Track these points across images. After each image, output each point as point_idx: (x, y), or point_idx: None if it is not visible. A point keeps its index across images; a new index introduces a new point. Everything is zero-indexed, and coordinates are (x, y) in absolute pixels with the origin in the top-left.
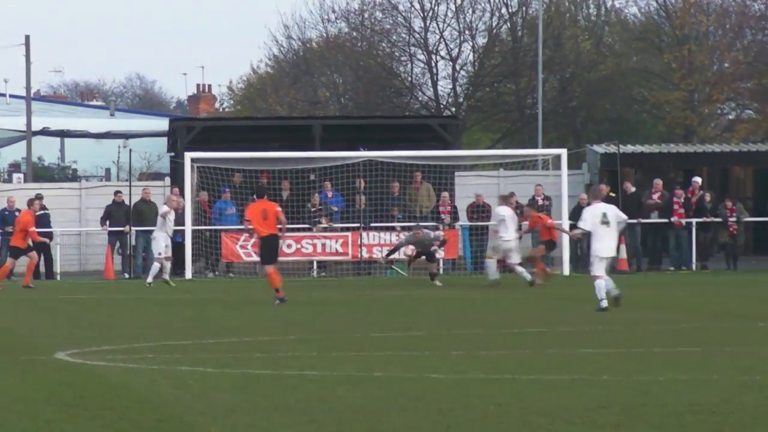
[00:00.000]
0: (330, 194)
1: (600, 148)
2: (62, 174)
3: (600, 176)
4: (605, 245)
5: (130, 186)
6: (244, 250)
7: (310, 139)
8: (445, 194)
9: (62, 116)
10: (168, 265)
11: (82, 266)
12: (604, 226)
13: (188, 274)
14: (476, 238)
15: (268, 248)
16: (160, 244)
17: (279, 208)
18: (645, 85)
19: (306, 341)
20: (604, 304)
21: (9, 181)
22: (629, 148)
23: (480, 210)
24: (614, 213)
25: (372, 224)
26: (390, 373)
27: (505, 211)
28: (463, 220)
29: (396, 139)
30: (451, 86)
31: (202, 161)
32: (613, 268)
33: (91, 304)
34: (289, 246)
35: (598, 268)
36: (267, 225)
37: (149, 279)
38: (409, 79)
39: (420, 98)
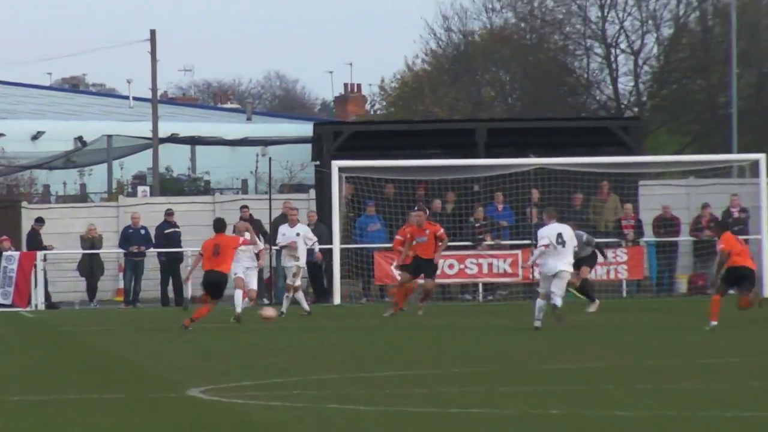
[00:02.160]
0: (500, 207)
1: None
2: (193, 186)
3: None
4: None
5: (270, 199)
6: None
7: (472, 145)
8: (628, 206)
9: (193, 121)
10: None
11: None
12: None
13: (336, 299)
14: (664, 255)
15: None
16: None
17: (242, 242)
18: None
19: (471, 374)
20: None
21: (133, 194)
22: None
23: (667, 223)
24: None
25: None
26: (568, 410)
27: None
28: (649, 235)
29: (570, 144)
30: (632, 83)
31: (351, 170)
32: None
33: (226, 333)
34: (451, 266)
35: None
36: (216, 262)
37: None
38: (585, 75)
39: (597, 97)
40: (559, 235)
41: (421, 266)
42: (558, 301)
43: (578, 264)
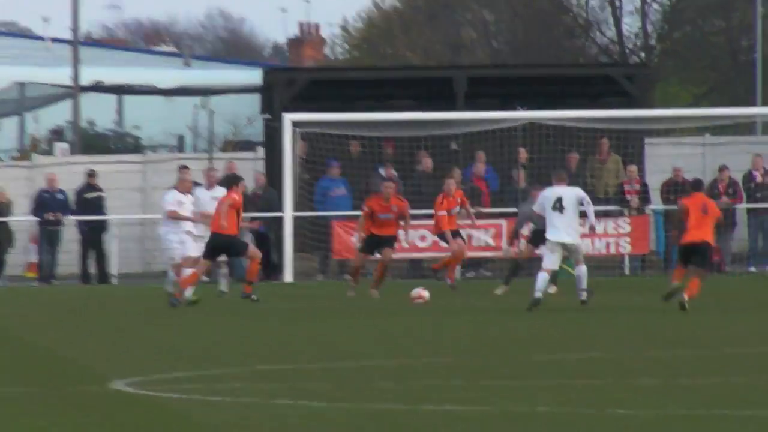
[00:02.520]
0: (482, 168)
1: None
2: (121, 143)
3: None
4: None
5: (211, 158)
6: None
7: (450, 96)
8: (633, 168)
9: (120, 66)
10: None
11: (147, 266)
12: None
13: (288, 277)
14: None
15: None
16: (172, 244)
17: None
18: None
19: (448, 366)
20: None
21: (50, 152)
22: None
23: (679, 189)
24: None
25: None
26: (560, 408)
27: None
28: (656, 203)
29: (565, 95)
30: (639, 24)
31: (306, 125)
32: None
33: (159, 318)
34: (423, 238)
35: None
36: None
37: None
38: (584, 14)
39: (598, 40)
40: (558, 200)
41: (380, 243)
42: (581, 283)
43: (537, 237)
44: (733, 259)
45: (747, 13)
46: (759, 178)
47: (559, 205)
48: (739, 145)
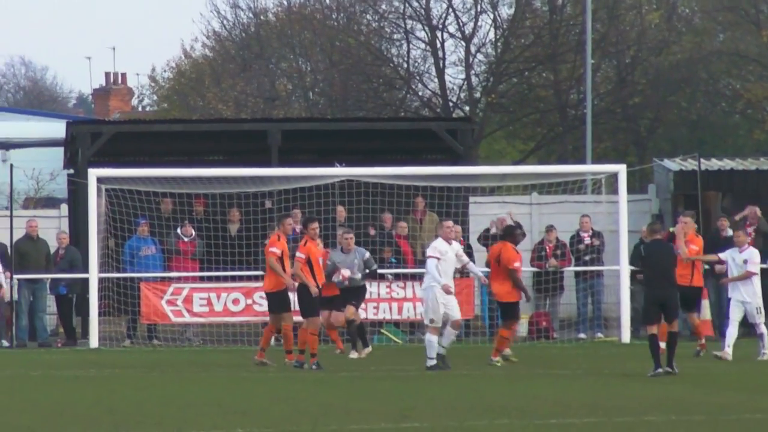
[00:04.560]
0: (297, 228)
1: (673, 164)
2: None
3: (674, 202)
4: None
5: (11, 216)
6: (173, 307)
7: (264, 150)
8: (458, 229)
9: None
10: None
11: None
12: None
13: (94, 342)
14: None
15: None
16: None
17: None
18: (736, 75)
19: None
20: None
21: None
22: (714, 163)
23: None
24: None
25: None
26: None
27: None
28: (480, 265)
29: (386, 151)
30: (463, 76)
31: (112, 181)
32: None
33: None
34: (236, 302)
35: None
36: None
37: None
38: (405, 65)
39: (420, 93)
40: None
41: (344, 296)
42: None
43: (346, 296)
44: (561, 326)
45: (577, 65)
46: (587, 240)
47: None
48: (567, 204)
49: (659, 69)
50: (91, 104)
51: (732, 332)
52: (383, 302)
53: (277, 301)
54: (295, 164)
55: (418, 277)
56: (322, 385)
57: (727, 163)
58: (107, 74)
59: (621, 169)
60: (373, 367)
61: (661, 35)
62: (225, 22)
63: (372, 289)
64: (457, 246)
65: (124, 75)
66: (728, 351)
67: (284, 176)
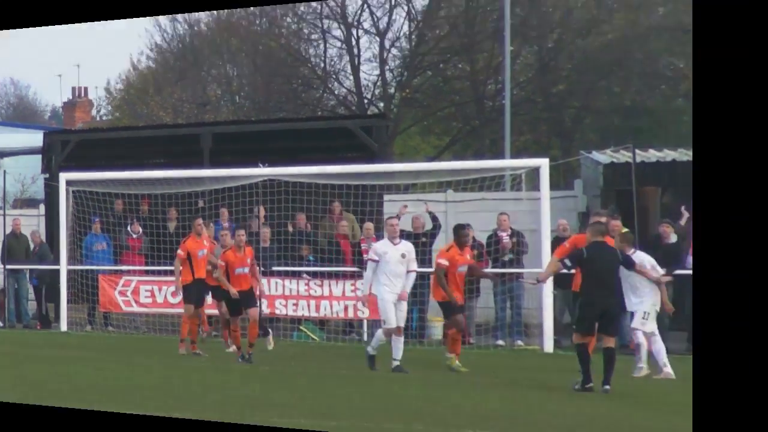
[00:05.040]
0: (226, 226)
1: (603, 156)
2: None
3: (603, 199)
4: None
5: (4, 215)
6: (124, 297)
7: (198, 153)
8: (369, 226)
9: None
10: None
11: None
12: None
13: (63, 326)
14: (412, 291)
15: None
16: None
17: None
18: (679, 53)
19: None
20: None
21: None
22: (652, 155)
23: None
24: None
25: (274, 268)
26: None
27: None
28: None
29: (305, 150)
30: (377, 72)
31: (77, 184)
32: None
33: None
34: (174, 294)
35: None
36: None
37: None
38: (322, 65)
39: (336, 91)
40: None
41: (242, 299)
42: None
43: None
44: (478, 330)
45: (495, 54)
46: (505, 239)
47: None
48: (484, 201)
49: (587, 52)
50: (61, 116)
51: (658, 348)
52: (302, 299)
53: (185, 293)
54: (225, 165)
55: (342, 276)
56: (249, 378)
57: (667, 154)
58: (73, 89)
59: (543, 164)
60: (293, 362)
61: (589, 14)
62: (165, 34)
63: (291, 286)
64: (404, 246)
65: (86, 89)
66: (667, 370)
67: (214, 177)
